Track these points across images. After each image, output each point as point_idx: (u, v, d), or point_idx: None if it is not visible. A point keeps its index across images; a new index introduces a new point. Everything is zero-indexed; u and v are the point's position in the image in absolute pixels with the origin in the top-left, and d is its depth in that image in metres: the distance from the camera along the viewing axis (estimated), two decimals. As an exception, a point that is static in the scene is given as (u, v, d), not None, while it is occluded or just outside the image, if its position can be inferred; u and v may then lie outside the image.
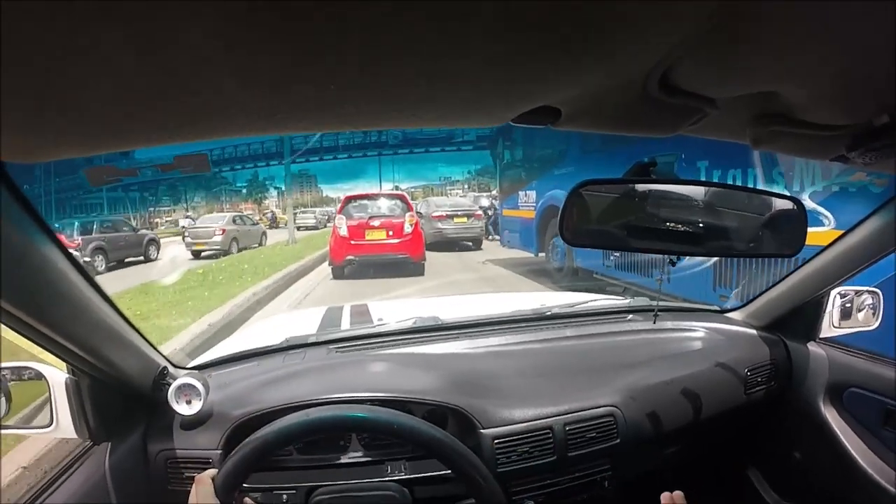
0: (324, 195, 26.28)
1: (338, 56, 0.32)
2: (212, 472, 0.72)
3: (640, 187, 0.71)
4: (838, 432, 1.14)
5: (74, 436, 0.86)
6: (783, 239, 0.76)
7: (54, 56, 0.29)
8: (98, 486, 0.86)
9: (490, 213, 11.48)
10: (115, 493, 0.87)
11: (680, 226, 0.71)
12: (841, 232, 1.04)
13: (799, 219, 0.75)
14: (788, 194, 0.78)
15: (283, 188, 26.06)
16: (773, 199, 0.77)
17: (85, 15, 0.26)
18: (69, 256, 0.64)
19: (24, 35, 0.27)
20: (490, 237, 11.01)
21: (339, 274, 7.42)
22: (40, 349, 0.71)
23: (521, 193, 7.31)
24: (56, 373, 0.84)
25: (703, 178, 3.48)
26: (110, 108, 0.36)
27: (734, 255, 0.89)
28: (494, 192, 14.80)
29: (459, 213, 10.26)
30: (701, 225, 0.72)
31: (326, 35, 0.29)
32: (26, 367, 0.85)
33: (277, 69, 0.33)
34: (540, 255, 6.88)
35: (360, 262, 7.38)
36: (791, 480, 1.27)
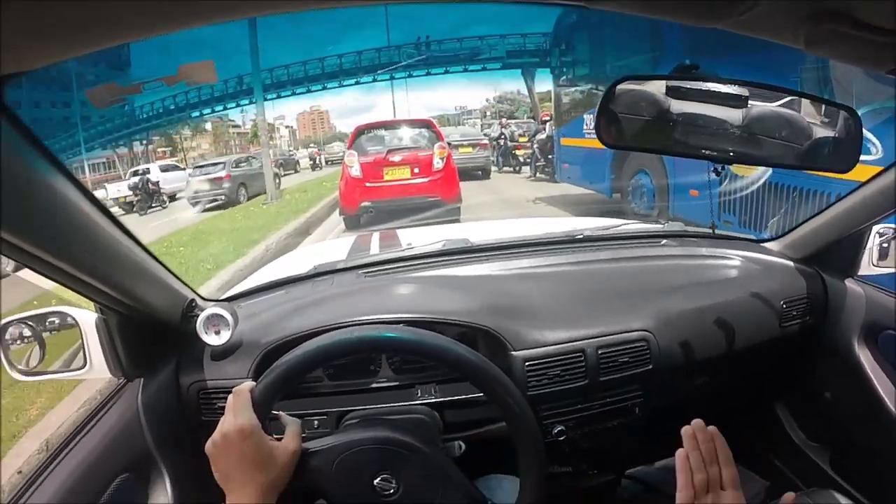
0: (337, 130, 24.99)
1: None
2: (249, 384, 0.76)
3: (685, 86, 0.71)
4: (871, 375, 1.15)
5: (107, 374, 0.92)
6: (836, 152, 0.76)
7: None
8: (132, 422, 0.92)
9: (501, 142, 11.69)
10: (148, 427, 0.93)
11: (726, 132, 0.70)
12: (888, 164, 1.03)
13: (855, 132, 0.75)
14: (845, 104, 0.76)
15: (295, 126, 24.81)
16: (828, 107, 0.77)
17: None
18: (85, 192, 0.66)
19: None
20: (501, 168, 11.41)
21: (352, 224, 6.58)
22: (72, 294, 0.77)
23: (587, 117, 6.21)
24: (86, 314, 0.90)
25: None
26: None
27: (783, 166, 0.81)
28: (504, 121, 14.99)
29: (465, 142, 10.54)
30: (747, 131, 0.71)
31: None
32: (56, 312, 0.92)
33: None
34: (614, 195, 6.10)
35: (380, 209, 6.31)
36: (819, 420, 1.31)
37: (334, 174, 12.39)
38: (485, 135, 13.06)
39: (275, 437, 0.73)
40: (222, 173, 10.64)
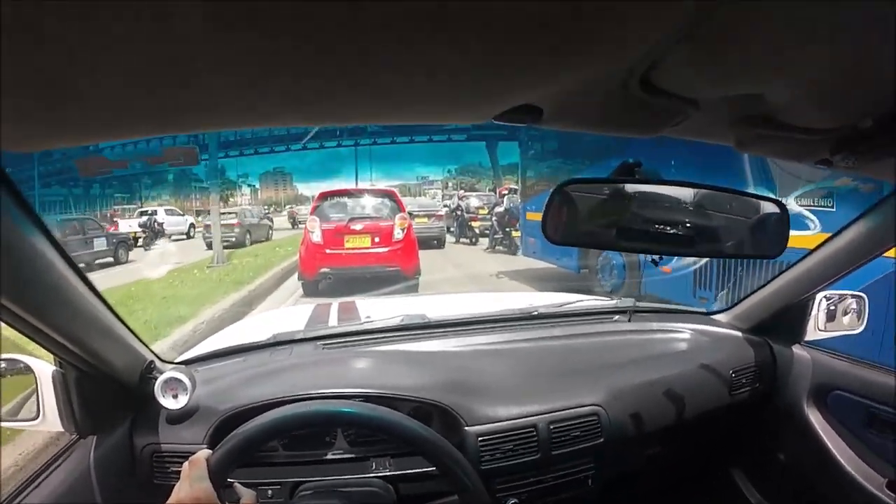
0: (299, 193, 25.03)
1: (322, 50, 0.34)
2: (205, 452, 0.76)
3: (627, 187, 0.76)
4: (822, 434, 1.21)
5: (60, 428, 0.92)
6: (767, 240, 0.82)
7: (56, 47, 0.31)
8: (82, 480, 0.92)
9: (458, 213, 12.06)
10: (99, 486, 0.93)
11: (666, 227, 0.76)
12: (827, 235, 1.12)
13: (782, 221, 0.81)
14: (772, 197, 0.85)
15: (258, 185, 24.72)
16: (758, 201, 0.84)
17: (86, 7, 0.28)
18: (58, 248, 0.69)
19: (23, 26, 0.29)
20: (458, 240, 11.76)
21: (311, 291, 6.57)
22: (28, 341, 0.77)
23: (557, 194, 6.46)
24: (43, 365, 0.91)
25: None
26: (107, 100, 0.39)
27: (719, 256, 0.97)
28: (462, 192, 15.89)
29: (422, 213, 10.91)
30: (687, 226, 0.77)
31: (314, 30, 0.32)
32: (13, 359, 0.93)
33: (265, 64, 0.36)
34: (582, 272, 6.15)
35: (339, 276, 6.44)
36: (775, 481, 1.36)
37: (290, 239, 12.40)
38: (445, 206, 13.46)
39: (227, 503, 0.74)
40: (234, 221, 13.02)
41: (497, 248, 9.84)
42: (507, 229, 9.49)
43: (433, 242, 11.02)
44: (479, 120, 0.49)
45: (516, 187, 11.23)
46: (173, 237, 14.57)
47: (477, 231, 11.39)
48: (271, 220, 15.94)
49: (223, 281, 7.53)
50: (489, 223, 10.45)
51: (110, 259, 10.49)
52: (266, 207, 19.66)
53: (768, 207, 0.81)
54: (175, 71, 0.35)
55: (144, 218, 13.83)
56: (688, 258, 4.10)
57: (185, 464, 0.73)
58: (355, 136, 19.11)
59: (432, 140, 19.74)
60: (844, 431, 1.21)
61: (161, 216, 14.64)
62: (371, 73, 0.37)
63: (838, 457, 1.19)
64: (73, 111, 0.39)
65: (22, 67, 0.32)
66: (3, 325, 0.68)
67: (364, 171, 20.48)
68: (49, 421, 0.89)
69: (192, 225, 16.51)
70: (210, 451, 0.75)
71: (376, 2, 0.28)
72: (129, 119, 0.42)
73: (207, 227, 13.04)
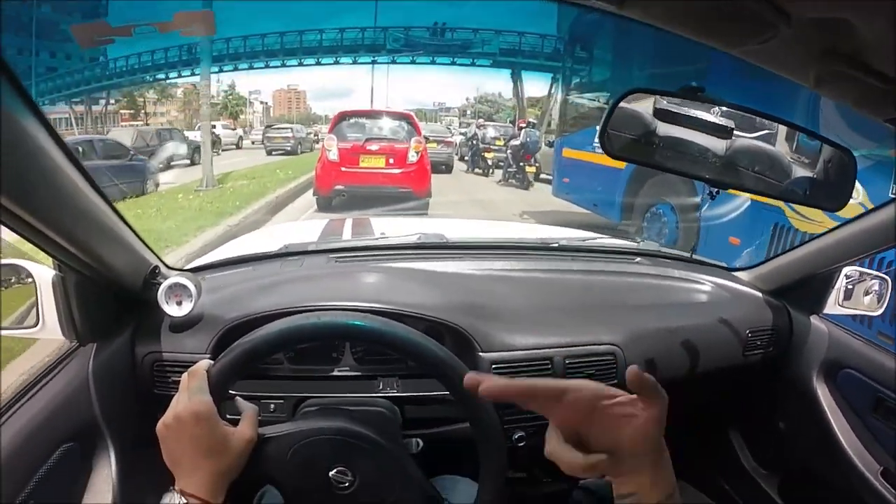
0: (312, 112, 24.60)
1: None
2: (206, 363, 0.73)
3: (690, 109, 0.73)
4: (826, 410, 1.19)
5: (60, 336, 0.89)
6: (828, 190, 0.78)
7: None
8: (80, 389, 0.89)
9: (473, 142, 12.09)
10: (97, 395, 0.90)
11: (724, 156, 0.72)
12: (870, 207, 1.06)
13: (848, 172, 0.76)
14: (842, 143, 0.78)
15: (270, 103, 24.15)
16: (825, 145, 0.78)
17: None
18: (61, 144, 0.65)
19: None
20: (471, 170, 11.84)
21: (324, 205, 6.88)
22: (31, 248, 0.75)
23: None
24: (43, 269, 0.88)
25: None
26: None
27: (773, 197, 0.82)
28: (481, 121, 15.63)
29: (431, 138, 10.68)
30: (746, 158, 0.73)
31: None
32: (11, 265, 0.90)
33: None
34: (623, 222, 5.27)
35: (352, 194, 6.73)
36: (772, 449, 1.35)
37: (294, 161, 12.55)
38: (462, 133, 13.82)
39: (228, 418, 0.71)
40: (290, 134, 16.31)
41: (510, 181, 9.81)
42: (521, 164, 9.46)
43: (441, 167, 11.10)
44: None
45: (534, 121, 11.17)
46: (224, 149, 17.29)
47: (490, 162, 11.35)
48: (316, 136, 17.04)
49: (203, 211, 6.91)
50: (504, 155, 10.43)
51: (187, 161, 11.89)
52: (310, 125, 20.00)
53: (836, 154, 0.76)
54: None
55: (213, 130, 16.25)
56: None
57: (185, 374, 0.71)
58: (373, 52, 18.00)
59: (455, 63, 18.57)
60: (849, 411, 1.18)
61: (218, 129, 17.42)
62: None
63: (838, 435, 1.16)
64: None
65: None
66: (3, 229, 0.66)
67: (380, 92, 19.69)
68: (48, 328, 0.87)
69: (240, 137, 19.25)
70: (211, 362, 0.72)
71: None
72: None
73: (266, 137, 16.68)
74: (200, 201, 7.50)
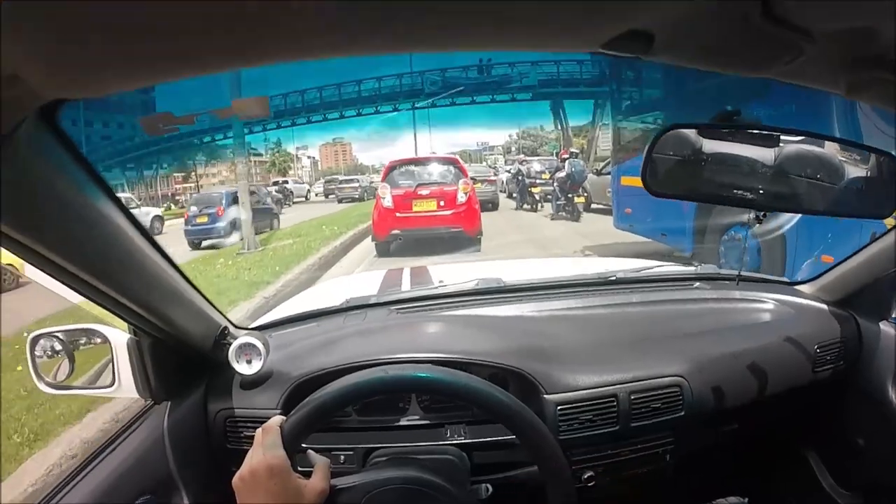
0: (359, 162, 25.58)
1: None
2: (279, 419, 0.75)
3: (727, 138, 0.73)
4: None
5: (135, 395, 0.93)
6: (876, 199, 0.77)
7: None
8: (156, 445, 0.92)
9: (519, 178, 12.26)
10: (173, 451, 0.93)
11: (767, 180, 0.72)
12: None
13: (891, 177, 0.75)
14: (884, 150, 0.77)
15: (317, 157, 25.16)
16: (867, 153, 0.78)
17: None
18: (130, 217, 0.68)
19: None
20: (521, 206, 11.95)
21: (384, 251, 7.21)
22: (103, 311, 0.77)
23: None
24: (118, 334, 0.91)
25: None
26: (164, 29, 0.36)
27: (822, 213, 0.79)
28: (523, 157, 15.69)
29: (476, 178, 10.87)
30: (788, 180, 0.73)
31: None
32: (89, 329, 0.94)
33: None
34: (696, 251, 4.88)
35: (407, 237, 7.07)
36: (851, 467, 1.29)
37: (340, 214, 12.65)
38: (507, 171, 14.06)
39: (301, 470, 0.72)
40: (356, 185, 18.34)
41: (560, 213, 9.79)
42: (570, 195, 9.46)
43: (488, 205, 11.14)
44: (585, 48, 0.47)
45: (576, 151, 11.26)
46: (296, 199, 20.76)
47: (538, 197, 11.39)
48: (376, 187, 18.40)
49: (238, 279, 6.42)
50: (550, 188, 10.47)
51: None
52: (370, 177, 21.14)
53: (879, 163, 0.75)
54: None
55: (278, 185, 20.10)
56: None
57: (259, 430, 0.72)
58: (412, 98, 17.98)
59: (494, 100, 18.33)
60: None
61: (291, 185, 21.05)
62: None
63: None
64: (145, 46, 0.37)
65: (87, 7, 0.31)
66: (80, 296, 0.69)
67: (423, 137, 19.86)
68: (124, 388, 0.91)
69: (308, 191, 22.05)
70: (284, 418, 0.74)
71: None
72: (202, 50, 0.40)
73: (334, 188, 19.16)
74: (238, 268, 7.10)
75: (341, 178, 20.60)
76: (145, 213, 12.51)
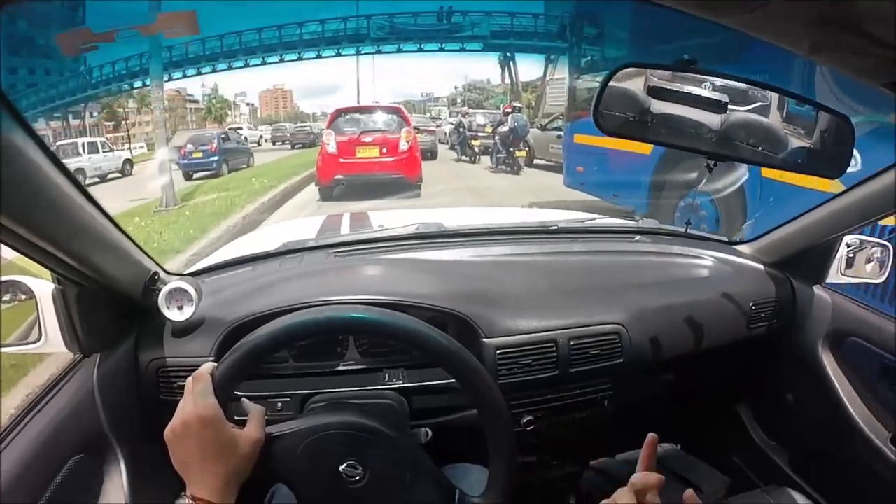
0: (299, 110, 24.62)
1: None
2: (209, 366, 0.72)
3: (683, 82, 0.73)
4: (833, 380, 1.19)
5: (62, 349, 0.89)
6: (828, 158, 0.78)
7: None
8: (87, 400, 0.89)
9: (460, 130, 12.18)
10: (104, 406, 0.90)
11: (720, 127, 0.73)
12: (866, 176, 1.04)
13: (846, 138, 0.76)
14: (839, 111, 0.77)
15: (256, 104, 23.84)
16: (822, 112, 0.78)
17: None
18: (47, 152, 0.64)
19: None
20: (460, 158, 11.89)
21: (327, 195, 7.53)
22: (27, 260, 0.73)
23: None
24: (42, 284, 0.87)
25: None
26: None
27: (771, 166, 0.87)
28: (466, 109, 15.38)
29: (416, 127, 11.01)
30: (741, 128, 0.74)
31: None
32: (10, 281, 0.88)
33: None
34: (650, 214, 4.53)
35: (351, 182, 7.33)
36: (780, 422, 1.36)
37: (272, 164, 12.04)
38: (450, 123, 13.94)
39: (236, 419, 0.70)
40: (308, 131, 17.19)
41: (500, 166, 9.87)
42: (511, 149, 9.57)
43: (427, 154, 11.16)
44: None
45: (519, 105, 11.20)
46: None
47: (477, 150, 11.38)
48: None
49: (148, 246, 4.69)
50: (491, 142, 10.49)
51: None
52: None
53: (833, 121, 0.75)
54: None
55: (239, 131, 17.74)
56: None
57: (189, 379, 0.70)
58: (357, 43, 16.65)
59: (443, 49, 17.06)
60: (856, 380, 1.18)
61: (245, 131, 18.78)
62: None
63: (847, 405, 1.16)
64: None
65: None
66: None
67: (367, 85, 18.68)
68: (51, 342, 0.87)
69: (261, 137, 19.74)
70: (215, 365, 0.72)
71: None
72: None
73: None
74: (150, 230, 6.46)
75: (290, 125, 19.79)
76: (117, 157, 12.70)
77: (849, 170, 0.79)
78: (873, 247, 1.21)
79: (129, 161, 12.98)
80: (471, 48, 16.87)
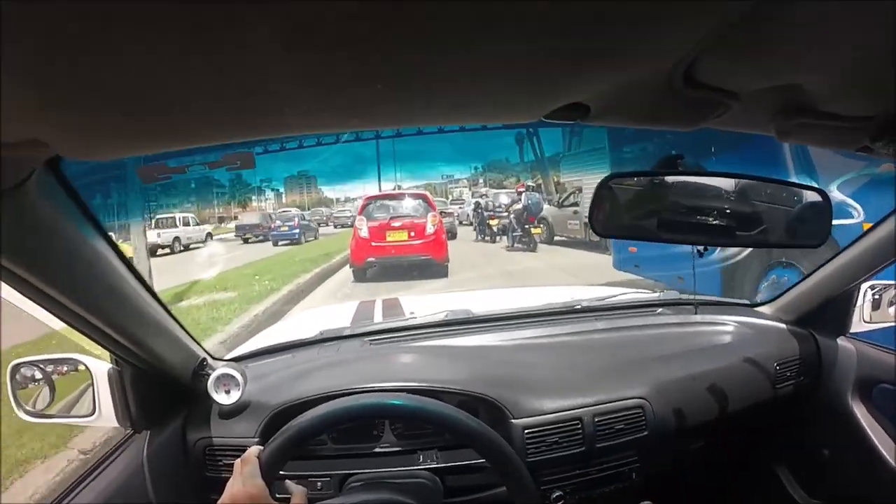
0: (323, 196, 25.36)
1: (377, 61, 0.36)
2: (256, 449, 0.77)
3: (669, 179, 0.78)
4: (867, 428, 1.18)
5: (115, 424, 0.94)
6: (809, 230, 0.82)
7: (121, 56, 0.32)
8: (136, 474, 0.94)
9: (478, 210, 12.30)
10: (152, 480, 0.95)
11: (708, 218, 0.78)
12: (870, 225, 1.08)
13: (824, 210, 0.81)
14: (815, 186, 0.83)
15: (282, 189, 23.78)
16: (800, 190, 0.83)
17: (151, 16, 0.29)
18: (117, 250, 0.71)
19: (90, 35, 0.30)
20: (478, 238, 11.93)
21: (360, 277, 7.76)
22: (84, 339, 0.79)
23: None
24: (99, 363, 0.93)
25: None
26: (170, 109, 0.40)
27: (761, 246, 0.94)
28: (483, 190, 16.01)
29: None
30: (728, 216, 0.78)
31: (377, 38, 0.33)
32: (71, 359, 0.95)
33: (327, 76, 0.38)
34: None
35: (382, 264, 7.71)
36: (820, 478, 1.33)
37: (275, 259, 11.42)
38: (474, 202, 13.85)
39: (279, 497, 0.74)
40: (349, 214, 16.52)
41: (516, 245, 9.98)
42: (526, 226, 9.72)
43: (449, 234, 10.96)
44: (529, 119, 0.51)
45: (532, 184, 11.47)
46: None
47: (495, 229, 11.41)
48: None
49: None
50: (507, 221, 10.58)
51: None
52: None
53: (810, 196, 0.80)
54: (246, 83, 0.37)
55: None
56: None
57: (237, 461, 0.74)
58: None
59: (464, 129, 15.69)
60: (889, 425, 1.17)
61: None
62: (424, 78, 0.40)
63: (883, 451, 1.15)
64: (136, 120, 0.41)
65: (88, 74, 0.33)
66: (62, 324, 0.71)
67: (387, 169, 18.99)
68: (104, 417, 0.92)
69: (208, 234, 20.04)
70: (261, 448, 0.76)
71: (423, 8, 0.30)
72: (201, 127, 0.45)
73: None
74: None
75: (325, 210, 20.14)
76: (201, 230, 15.25)
77: (853, 220, 0.84)
78: (893, 289, 1.22)
79: (209, 234, 15.72)
80: (491, 126, 15.84)
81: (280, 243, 13.67)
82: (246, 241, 14.77)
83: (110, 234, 0.72)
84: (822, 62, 0.42)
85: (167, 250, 12.75)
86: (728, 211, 0.78)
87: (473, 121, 0.55)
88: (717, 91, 0.47)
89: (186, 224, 14.23)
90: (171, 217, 14.10)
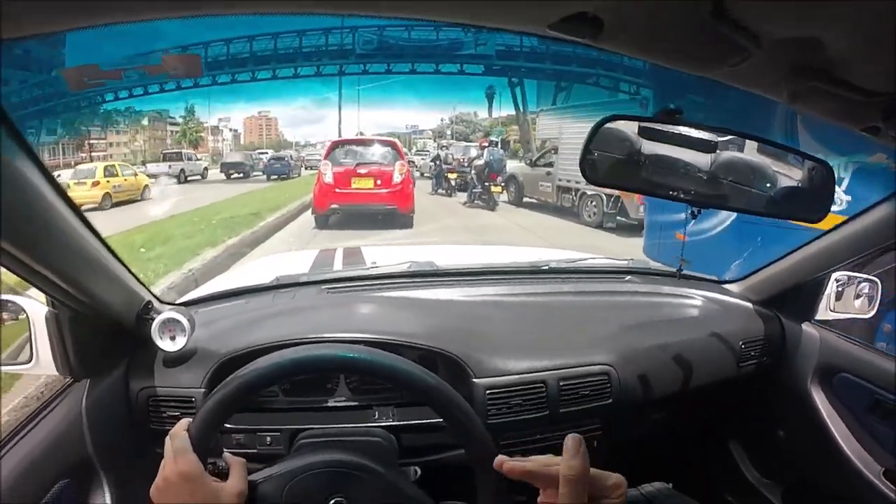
0: (283, 138, 23.01)
1: None
2: (185, 422, 0.71)
3: (667, 130, 0.75)
4: (824, 415, 1.20)
5: (53, 371, 0.88)
6: (808, 203, 0.79)
7: None
8: (75, 425, 0.88)
9: (437, 163, 11.87)
10: (91, 432, 0.89)
11: (703, 175, 0.74)
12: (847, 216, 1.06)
13: (827, 185, 0.77)
14: (820, 157, 0.79)
15: (240, 130, 22.52)
16: (804, 160, 0.79)
17: None
18: (55, 185, 0.65)
19: None
20: (435, 191, 11.42)
21: (322, 223, 7.67)
22: (21, 281, 0.72)
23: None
24: (37, 306, 0.86)
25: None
26: None
27: (755, 213, 0.88)
28: (444, 142, 15.03)
29: None
30: (724, 177, 0.75)
31: None
32: (4, 301, 0.88)
33: None
34: None
35: (345, 212, 7.61)
36: (772, 458, 1.35)
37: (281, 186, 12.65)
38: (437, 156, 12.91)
39: (219, 469, 0.69)
40: (287, 159, 18.02)
41: (475, 201, 9.80)
42: (487, 183, 9.54)
43: None
44: (531, 26, 0.46)
45: (495, 139, 11.15)
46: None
47: (453, 183, 11.17)
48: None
49: None
50: (468, 176, 10.26)
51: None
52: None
53: (814, 168, 0.77)
54: None
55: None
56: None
57: (167, 438, 0.69)
58: (340, 59, 13.81)
59: (439, 71, 14.43)
60: (847, 415, 1.18)
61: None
62: None
63: (838, 439, 1.17)
64: None
65: None
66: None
67: (350, 113, 16.78)
68: (42, 364, 0.86)
69: (205, 168, 19.82)
70: (189, 421, 0.70)
71: None
72: None
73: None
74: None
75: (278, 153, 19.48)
76: (200, 165, 17.17)
77: (834, 209, 0.80)
78: (862, 282, 1.22)
79: (206, 168, 17.26)
80: (471, 70, 14.69)
81: (271, 177, 15.98)
82: (229, 176, 16.18)
83: (52, 170, 0.66)
84: (852, 15, 0.41)
85: (174, 180, 14.43)
86: (718, 170, 0.75)
87: (464, 17, 0.48)
88: (742, 31, 0.44)
89: (189, 159, 16.17)
90: (178, 152, 16.32)
